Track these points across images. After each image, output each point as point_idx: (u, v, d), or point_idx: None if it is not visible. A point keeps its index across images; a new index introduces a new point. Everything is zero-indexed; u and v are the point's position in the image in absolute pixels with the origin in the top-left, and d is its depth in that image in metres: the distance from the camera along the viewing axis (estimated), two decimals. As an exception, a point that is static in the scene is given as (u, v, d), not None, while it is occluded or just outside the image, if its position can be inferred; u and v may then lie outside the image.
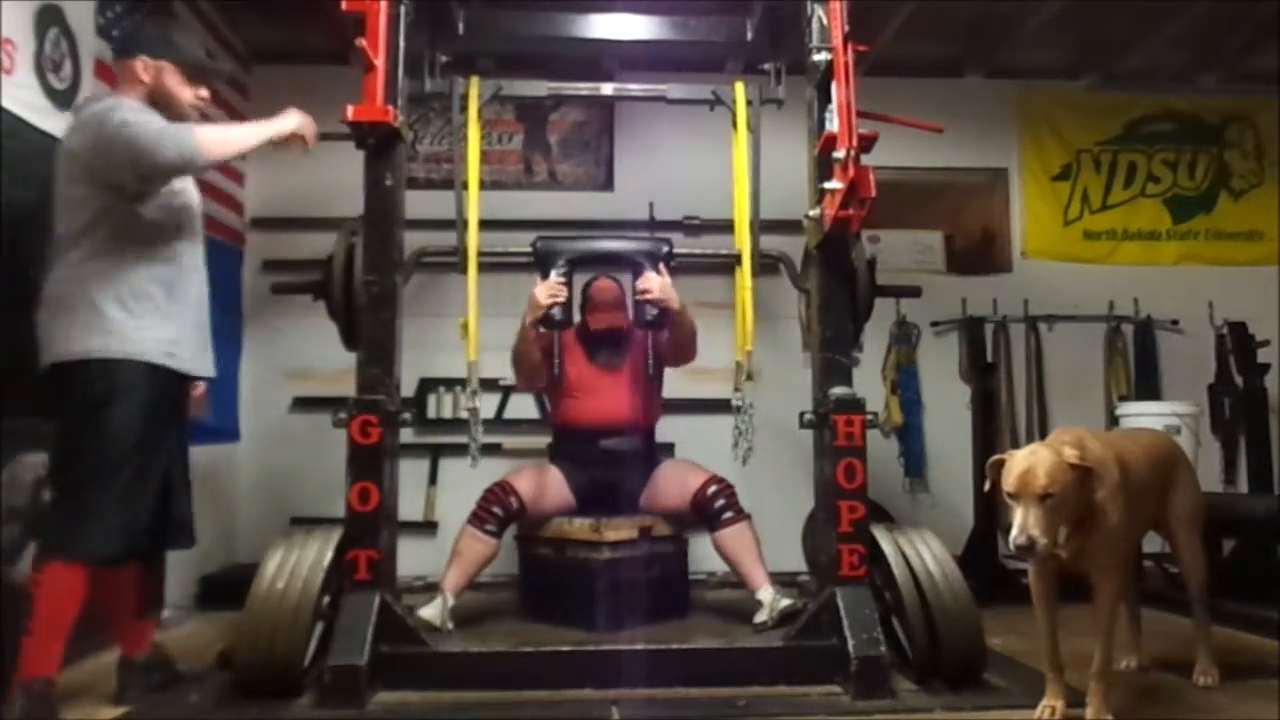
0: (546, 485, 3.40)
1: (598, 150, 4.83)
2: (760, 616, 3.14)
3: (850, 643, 2.50)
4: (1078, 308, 4.85)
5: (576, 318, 3.57)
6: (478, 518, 3.28)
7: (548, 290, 3.24)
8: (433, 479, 4.45)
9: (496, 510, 3.26)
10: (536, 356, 3.38)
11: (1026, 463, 2.04)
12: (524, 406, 4.44)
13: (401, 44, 2.78)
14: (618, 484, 3.47)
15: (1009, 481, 2.04)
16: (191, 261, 2.53)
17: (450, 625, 3.09)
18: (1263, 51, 4.58)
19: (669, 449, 4.08)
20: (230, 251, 4.38)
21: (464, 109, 3.30)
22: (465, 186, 3.30)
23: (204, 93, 2.54)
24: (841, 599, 2.60)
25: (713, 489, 3.31)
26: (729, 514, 3.28)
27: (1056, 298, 4.85)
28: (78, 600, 2.24)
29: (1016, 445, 4.65)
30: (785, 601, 3.12)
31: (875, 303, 3.07)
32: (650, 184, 4.65)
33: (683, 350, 3.49)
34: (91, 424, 2.28)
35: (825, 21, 2.67)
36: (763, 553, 3.31)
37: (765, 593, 3.18)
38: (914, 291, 3.54)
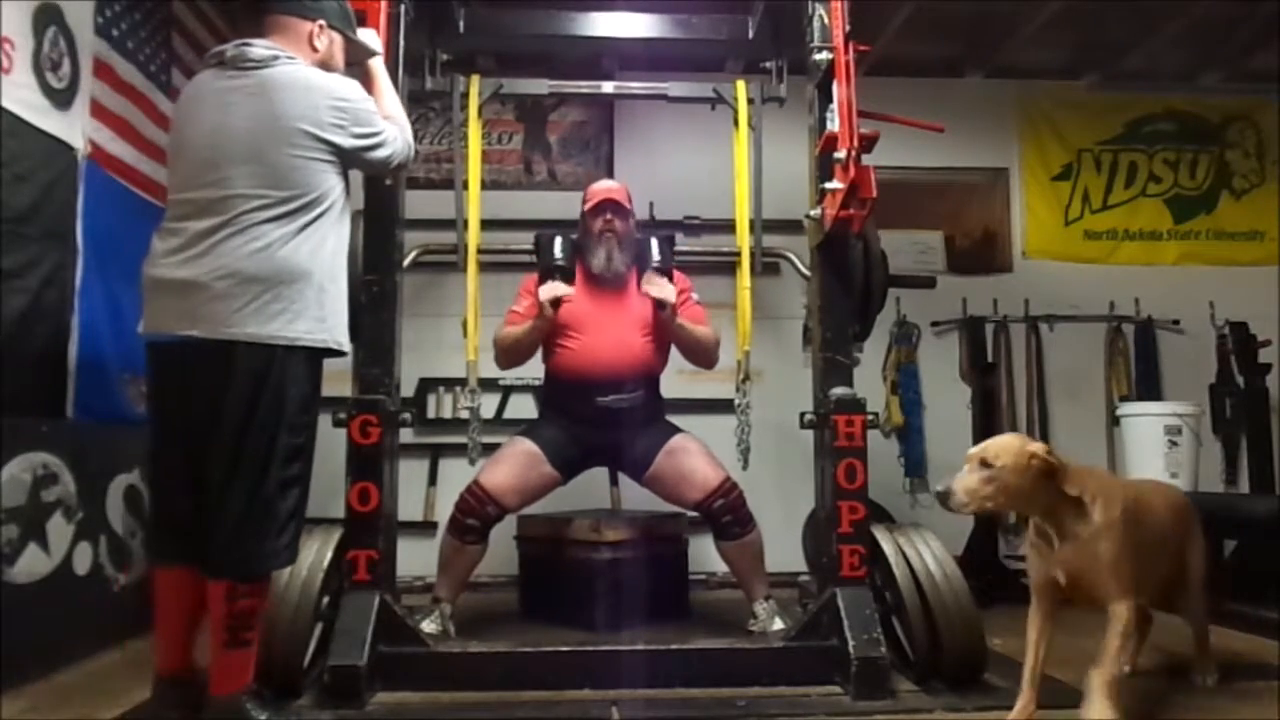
0: (523, 471, 3.10)
1: (598, 150, 4.83)
2: (752, 627, 3.11)
3: (850, 643, 2.50)
4: (1078, 308, 4.85)
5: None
6: (457, 527, 3.08)
7: (559, 288, 3.07)
8: (432, 479, 4.45)
9: (473, 522, 3.05)
10: (534, 347, 3.18)
11: (991, 440, 2.18)
12: (524, 407, 4.44)
13: (402, 43, 2.78)
14: (616, 445, 3.20)
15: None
16: None
17: (452, 629, 3.07)
18: (1263, 51, 4.58)
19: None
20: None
21: (464, 107, 3.30)
22: (465, 186, 3.30)
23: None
24: (842, 599, 2.59)
25: (718, 503, 3.09)
26: (735, 529, 3.11)
27: (1057, 298, 4.85)
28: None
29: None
30: (778, 624, 3.04)
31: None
32: (650, 184, 4.64)
33: (692, 355, 3.26)
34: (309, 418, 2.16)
35: (826, 21, 2.67)
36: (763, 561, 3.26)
37: (760, 606, 3.13)
38: (929, 282, 3.52)
